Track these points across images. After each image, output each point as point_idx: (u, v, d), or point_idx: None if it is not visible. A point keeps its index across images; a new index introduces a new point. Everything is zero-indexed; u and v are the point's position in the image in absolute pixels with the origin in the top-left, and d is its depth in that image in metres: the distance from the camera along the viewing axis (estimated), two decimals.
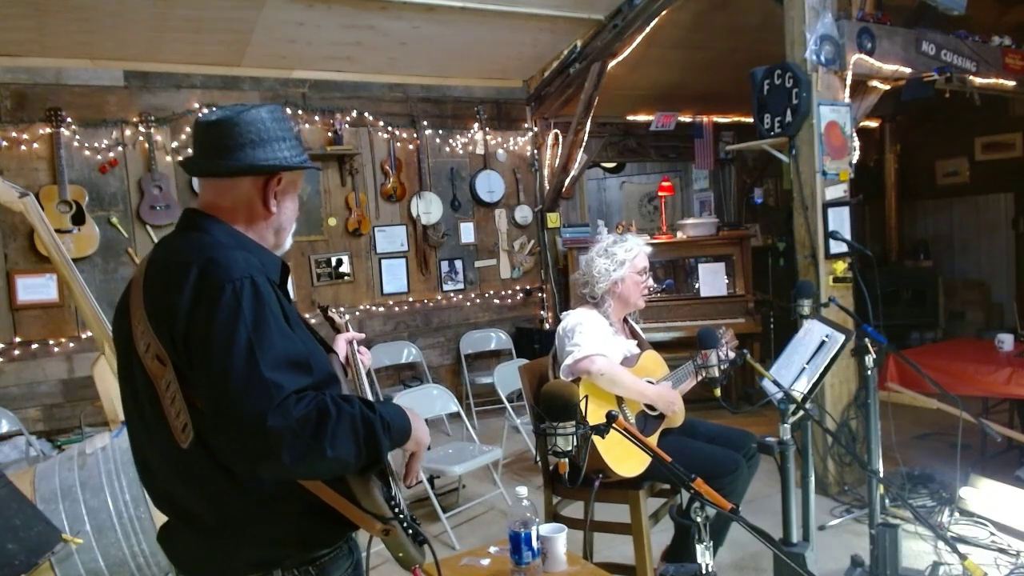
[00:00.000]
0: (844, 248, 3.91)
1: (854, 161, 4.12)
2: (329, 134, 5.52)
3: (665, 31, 5.35)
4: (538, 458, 2.92)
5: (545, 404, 1.81)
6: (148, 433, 1.35)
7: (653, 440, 2.74)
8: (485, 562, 2.13)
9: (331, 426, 1.18)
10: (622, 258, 2.83)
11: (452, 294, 6.19)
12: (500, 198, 6.35)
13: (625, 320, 3.01)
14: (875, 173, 8.01)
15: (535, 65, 6.22)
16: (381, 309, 5.87)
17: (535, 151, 6.57)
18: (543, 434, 1.81)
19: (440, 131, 6.09)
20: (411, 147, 5.96)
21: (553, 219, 6.60)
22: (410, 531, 1.32)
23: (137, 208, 4.87)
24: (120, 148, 4.84)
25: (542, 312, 6.62)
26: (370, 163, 5.80)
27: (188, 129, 5.02)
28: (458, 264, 6.21)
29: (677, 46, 5.67)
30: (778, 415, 2.39)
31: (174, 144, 5.01)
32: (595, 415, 2.44)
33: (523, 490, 2.01)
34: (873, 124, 7.75)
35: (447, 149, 6.15)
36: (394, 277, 5.92)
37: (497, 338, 6.16)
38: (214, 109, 1.43)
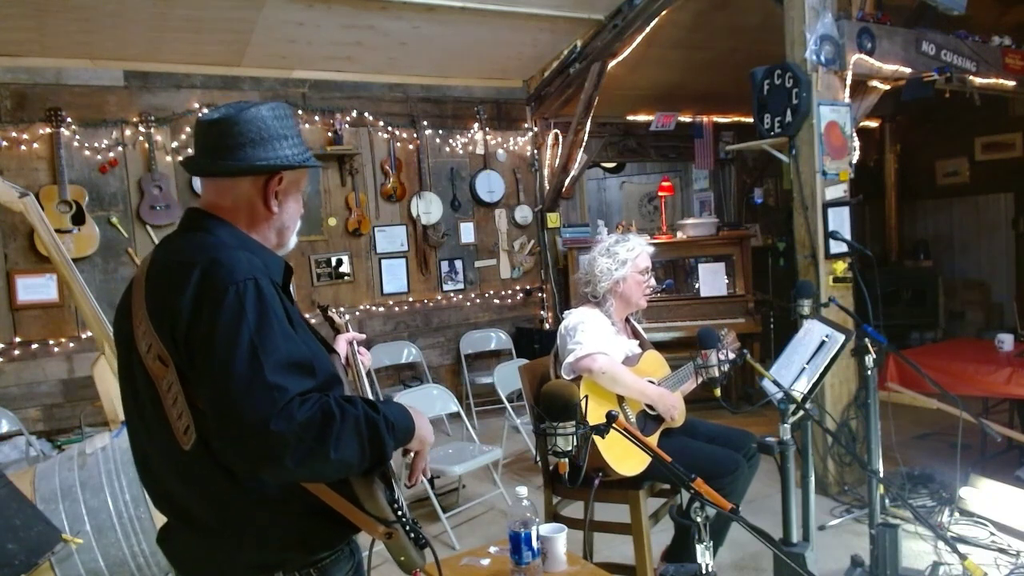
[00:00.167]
0: (844, 248, 3.91)
1: (854, 161, 4.12)
2: (329, 134, 5.52)
3: (665, 31, 5.35)
4: (538, 458, 2.92)
5: (545, 404, 1.81)
6: (149, 433, 1.34)
7: (653, 440, 2.74)
8: (485, 562, 2.13)
9: (335, 428, 1.17)
10: (624, 257, 2.83)
11: (452, 294, 6.19)
12: (500, 198, 6.35)
13: (627, 320, 3.01)
14: (875, 173, 8.01)
15: (535, 65, 6.22)
16: (381, 309, 5.87)
17: (535, 151, 6.57)
18: (543, 434, 1.81)
19: (440, 131, 6.09)
20: (411, 147, 5.96)
21: (553, 219, 6.60)
22: (412, 534, 1.31)
23: (137, 208, 4.87)
24: (120, 148, 4.85)
25: (542, 312, 6.62)
26: (370, 163, 5.81)
27: (188, 129, 5.02)
28: (458, 264, 6.21)
29: (677, 46, 5.67)
30: (778, 415, 2.39)
31: (174, 144, 5.01)
32: (596, 414, 2.44)
33: (523, 490, 2.01)
34: (873, 124, 7.75)
35: (447, 149, 6.15)
36: (394, 277, 5.92)
37: (497, 338, 6.16)
38: (218, 107, 1.41)
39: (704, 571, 1.64)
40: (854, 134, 4.12)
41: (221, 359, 1.17)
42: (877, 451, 2.98)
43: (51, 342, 4.63)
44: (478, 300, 6.32)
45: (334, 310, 1.85)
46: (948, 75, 4.41)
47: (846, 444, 3.89)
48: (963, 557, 2.84)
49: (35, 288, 4.55)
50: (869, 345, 2.86)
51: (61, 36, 4.44)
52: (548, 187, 6.59)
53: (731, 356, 2.40)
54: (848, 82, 4.04)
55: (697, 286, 5.80)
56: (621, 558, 2.99)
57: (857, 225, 4.16)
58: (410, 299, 5.99)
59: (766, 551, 2.32)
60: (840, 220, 3.93)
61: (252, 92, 5.31)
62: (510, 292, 6.47)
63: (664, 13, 5.07)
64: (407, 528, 1.30)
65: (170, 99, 5.03)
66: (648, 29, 5.26)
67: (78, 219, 4.63)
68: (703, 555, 1.63)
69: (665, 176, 6.97)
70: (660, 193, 6.49)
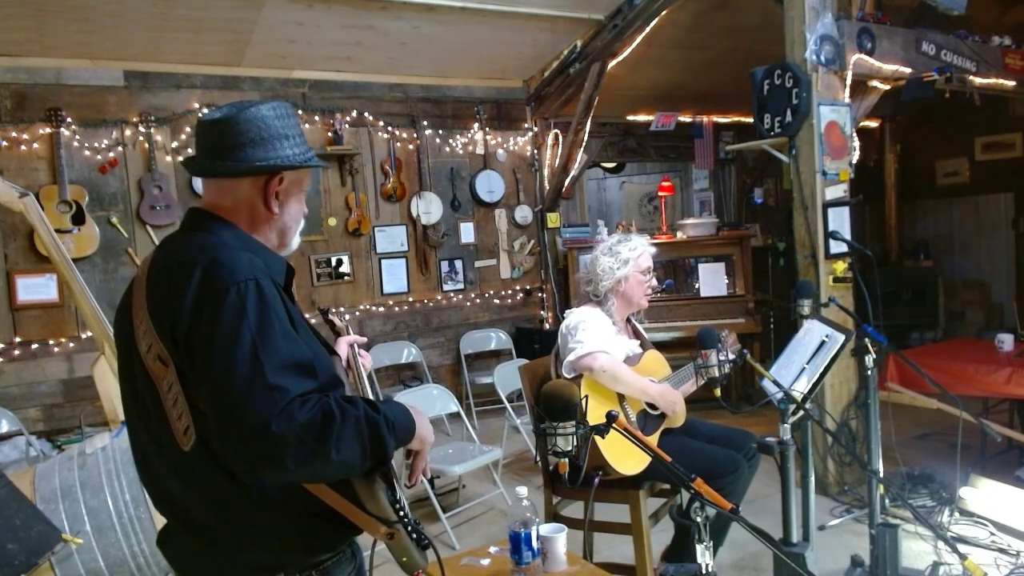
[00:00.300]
0: (844, 248, 3.91)
1: (854, 161, 4.12)
2: (329, 134, 5.52)
3: (665, 31, 5.35)
4: (538, 458, 2.92)
5: (545, 404, 1.81)
6: (149, 434, 1.34)
7: (653, 440, 2.74)
8: (485, 562, 2.13)
9: (336, 429, 1.17)
10: (626, 257, 2.83)
11: (452, 294, 6.19)
12: (500, 198, 6.35)
13: (628, 320, 3.01)
14: (875, 173, 8.01)
15: (535, 65, 6.22)
16: (381, 309, 5.87)
17: (535, 151, 6.57)
18: (543, 434, 1.81)
19: (440, 131, 6.09)
20: (411, 147, 5.96)
21: (553, 219, 6.60)
22: (414, 535, 1.30)
23: (137, 208, 4.87)
24: (120, 148, 4.84)
25: (542, 312, 6.62)
26: (370, 163, 5.81)
27: (188, 129, 5.02)
28: (458, 264, 6.21)
29: (677, 46, 5.67)
30: (778, 415, 2.39)
31: (174, 144, 5.01)
32: (596, 414, 2.44)
33: (523, 490, 2.01)
34: (873, 124, 7.75)
35: (447, 149, 6.15)
36: (394, 277, 5.92)
37: (497, 338, 6.16)
38: (220, 107, 1.40)
39: (704, 571, 1.64)
40: (854, 134, 4.12)
41: (222, 359, 1.17)
42: (877, 451, 2.99)
43: (51, 342, 4.63)
44: (478, 300, 6.32)
45: (334, 312, 1.85)
46: (948, 75, 4.41)
47: (846, 444, 3.89)
48: (963, 557, 2.84)
49: (35, 288, 4.55)
50: (869, 345, 2.86)
51: (61, 36, 4.44)
52: (548, 187, 6.59)
53: (731, 356, 2.40)
54: (848, 82, 4.04)
55: (697, 286, 5.80)
56: (621, 558, 2.99)
57: (857, 225, 4.17)
58: (410, 299, 5.99)
59: (766, 551, 2.32)
60: (840, 220, 3.93)
61: (252, 92, 5.30)
62: (510, 292, 6.47)
63: (664, 13, 5.07)
64: (409, 528, 1.29)
65: (170, 99, 5.02)
66: (648, 29, 5.26)
67: (78, 219, 4.63)
68: (703, 555, 1.63)
69: (665, 176, 6.97)
70: (660, 193, 6.49)
